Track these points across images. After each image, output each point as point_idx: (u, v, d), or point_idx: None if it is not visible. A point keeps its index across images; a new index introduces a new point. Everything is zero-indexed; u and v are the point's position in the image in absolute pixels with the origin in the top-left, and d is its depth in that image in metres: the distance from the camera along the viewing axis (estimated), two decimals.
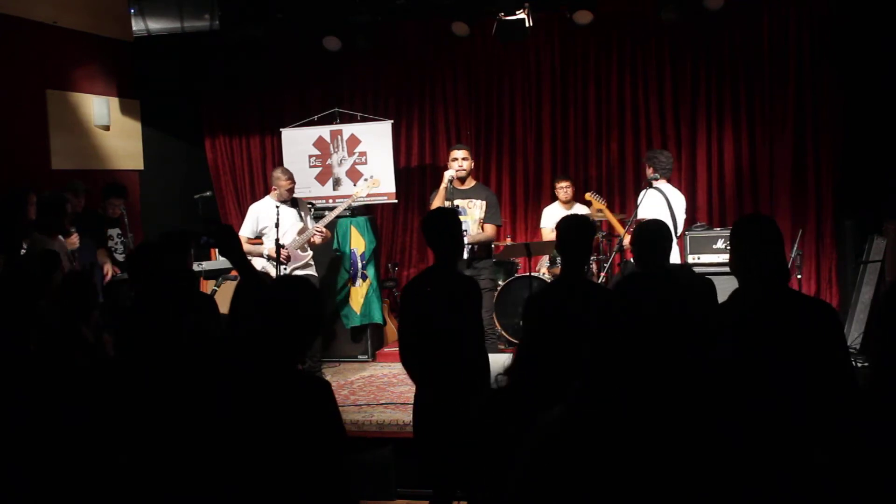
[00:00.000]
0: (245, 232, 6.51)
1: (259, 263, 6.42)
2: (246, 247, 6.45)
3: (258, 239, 6.54)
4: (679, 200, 6.24)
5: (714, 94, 7.85)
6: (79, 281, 3.45)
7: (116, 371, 2.80)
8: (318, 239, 6.54)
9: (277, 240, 6.27)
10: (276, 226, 6.24)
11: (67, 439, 2.72)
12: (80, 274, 3.76)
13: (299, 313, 2.36)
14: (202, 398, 2.40)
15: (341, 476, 2.33)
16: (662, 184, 6.25)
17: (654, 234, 4.01)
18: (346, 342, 7.59)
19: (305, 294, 2.41)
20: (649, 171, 6.30)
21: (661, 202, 6.16)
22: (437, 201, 6.22)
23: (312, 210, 7.10)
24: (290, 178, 6.58)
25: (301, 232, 6.51)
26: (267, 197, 6.66)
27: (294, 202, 6.62)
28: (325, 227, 6.64)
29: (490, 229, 6.37)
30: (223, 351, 2.77)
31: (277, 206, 6.30)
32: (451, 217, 3.93)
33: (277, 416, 2.24)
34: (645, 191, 6.25)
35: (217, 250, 7.05)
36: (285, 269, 6.36)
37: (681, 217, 6.20)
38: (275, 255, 6.30)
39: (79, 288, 3.36)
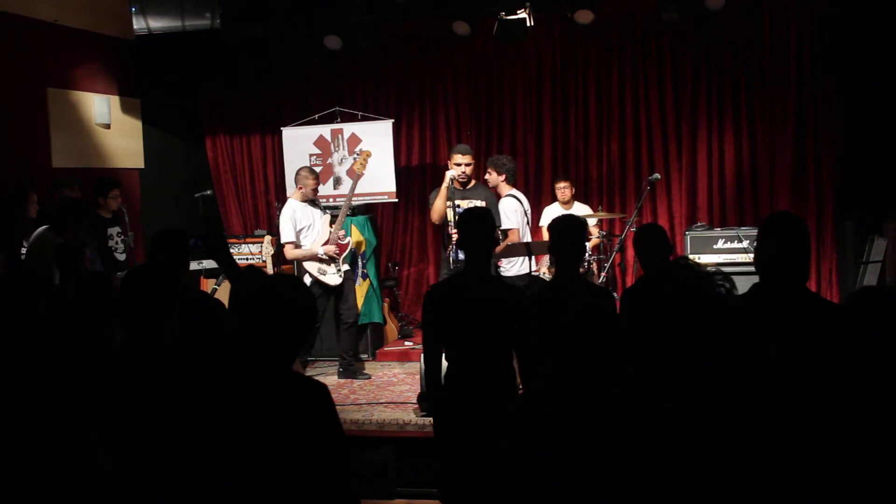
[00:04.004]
0: (289, 237, 6.50)
1: (314, 267, 6.50)
2: (298, 252, 6.50)
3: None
4: (527, 206, 6.38)
5: (714, 94, 7.85)
6: (101, 282, 3.41)
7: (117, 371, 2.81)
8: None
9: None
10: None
11: (67, 437, 2.73)
12: (102, 275, 3.74)
13: (292, 312, 2.32)
14: (192, 401, 2.38)
15: (345, 478, 2.32)
16: (514, 190, 6.37)
17: (654, 236, 4.04)
18: None
19: (297, 292, 2.37)
20: (500, 178, 6.29)
21: (520, 209, 6.23)
22: (439, 201, 6.21)
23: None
24: (317, 177, 6.75)
25: (330, 225, 6.69)
26: (291, 199, 6.71)
27: (314, 201, 6.74)
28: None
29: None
30: (218, 351, 2.75)
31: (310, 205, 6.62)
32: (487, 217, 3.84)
33: (276, 419, 2.23)
34: (509, 198, 6.24)
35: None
36: (338, 264, 6.57)
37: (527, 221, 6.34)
38: (332, 252, 6.50)
39: (101, 289, 3.30)
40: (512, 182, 6.43)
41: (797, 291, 2.76)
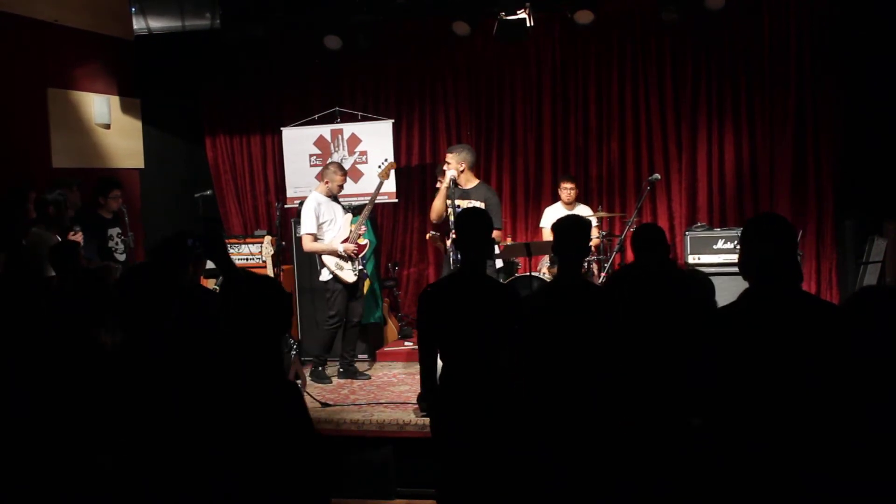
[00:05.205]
0: (310, 229, 6.54)
1: (332, 261, 6.51)
2: (316, 245, 6.54)
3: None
4: None
5: (714, 94, 7.85)
6: (98, 278, 3.39)
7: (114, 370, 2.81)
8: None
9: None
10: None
11: (65, 438, 2.73)
12: (99, 271, 3.73)
13: (268, 313, 2.41)
14: (192, 401, 2.42)
15: (320, 472, 2.36)
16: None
17: (651, 235, 4.03)
18: None
19: (274, 292, 2.45)
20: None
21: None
22: (438, 201, 6.21)
23: None
24: (345, 174, 6.76)
25: (351, 222, 6.69)
26: (315, 192, 6.71)
27: (335, 198, 6.74)
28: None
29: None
30: (217, 351, 2.78)
31: (332, 201, 6.62)
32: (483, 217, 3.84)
33: (275, 418, 2.25)
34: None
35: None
36: (355, 262, 6.58)
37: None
38: (351, 251, 6.51)
39: (94, 288, 3.29)
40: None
41: (796, 293, 2.76)
